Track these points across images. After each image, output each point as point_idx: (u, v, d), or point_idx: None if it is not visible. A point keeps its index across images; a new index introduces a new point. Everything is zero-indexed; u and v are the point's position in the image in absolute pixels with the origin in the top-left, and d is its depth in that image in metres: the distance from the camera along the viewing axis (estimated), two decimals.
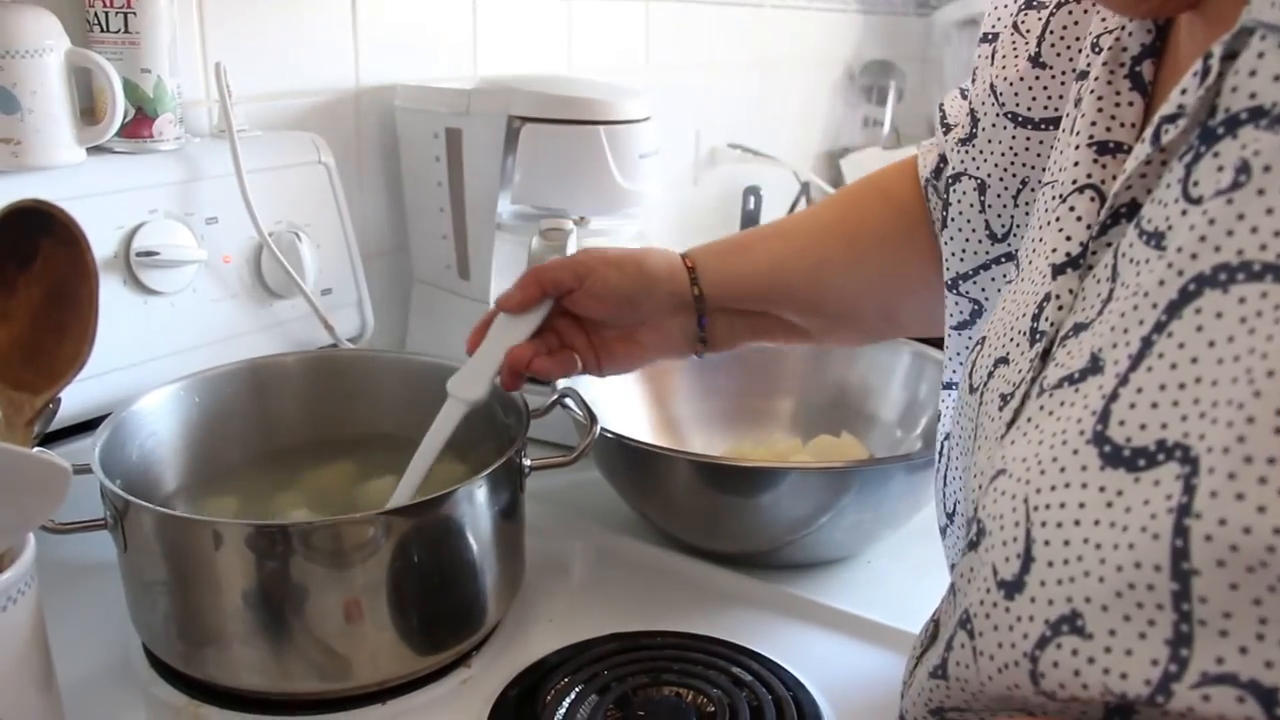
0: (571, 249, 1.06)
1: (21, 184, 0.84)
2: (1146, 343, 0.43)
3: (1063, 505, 0.44)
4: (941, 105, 0.82)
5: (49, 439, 0.81)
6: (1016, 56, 0.69)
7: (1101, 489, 0.43)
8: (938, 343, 1.14)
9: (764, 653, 0.80)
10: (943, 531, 0.71)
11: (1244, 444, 0.37)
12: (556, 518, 1.01)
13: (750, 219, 1.84)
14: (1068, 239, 0.54)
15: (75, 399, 0.78)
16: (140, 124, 0.96)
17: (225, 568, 0.71)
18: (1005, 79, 0.70)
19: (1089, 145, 0.56)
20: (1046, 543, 0.44)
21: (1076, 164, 0.56)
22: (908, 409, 1.09)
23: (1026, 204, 0.71)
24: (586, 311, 0.83)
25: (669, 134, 1.29)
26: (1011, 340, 0.57)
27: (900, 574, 0.95)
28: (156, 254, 0.93)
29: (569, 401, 0.90)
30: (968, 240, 0.76)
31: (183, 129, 1.00)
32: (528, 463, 0.83)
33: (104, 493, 0.74)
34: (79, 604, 0.84)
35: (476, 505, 0.77)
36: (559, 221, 1.08)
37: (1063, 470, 0.45)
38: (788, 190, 1.92)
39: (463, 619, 0.79)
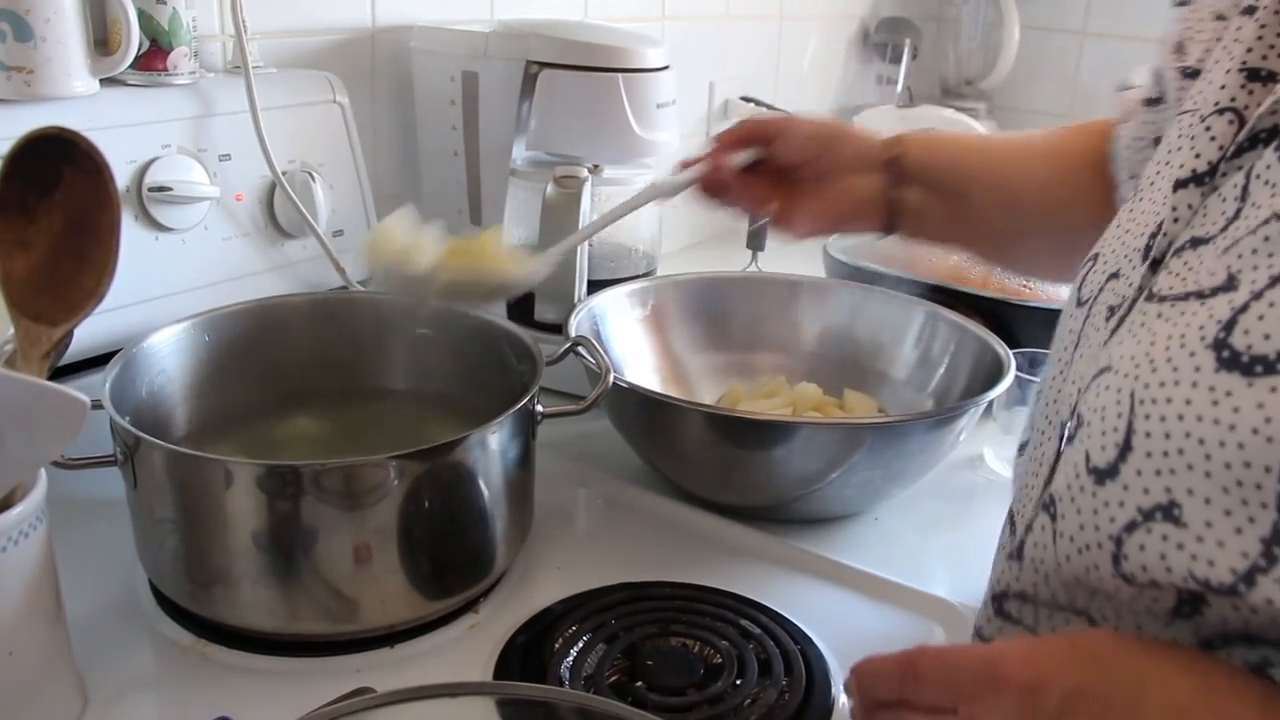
0: (586, 197, 1.05)
1: (34, 114, 0.83)
2: None
3: (1169, 400, 0.45)
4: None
5: (57, 374, 0.80)
6: None
7: (1211, 388, 0.43)
8: (951, 299, 1.14)
9: (772, 606, 0.80)
10: (1020, 448, 0.69)
11: None
12: (567, 467, 1.00)
13: None
14: (1197, 156, 0.54)
15: (84, 334, 0.77)
16: (154, 56, 0.95)
17: (235, 507, 0.70)
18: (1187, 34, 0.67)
19: (1240, 70, 0.55)
20: (1148, 434, 0.45)
21: (1223, 87, 0.55)
22: (920, 367, 1.08)
23: None
24: (783, 153, 0.89)
25: (683, 86, 1.27)
26: (1125, 258, 0.57)
27: (908, 532, 0.95)
28: (169, 189, 0.92)
29: (582, 350, 0.89)
30: None
31: (197, 63, 0.99)
32: (540, 410, 0.82)
33: (114, 429, 0.73)
34: (88, 541, 0.84)
35: (488, 451, 0.76)
36: (574, 169, 1.07)
37: (1175, 369, 0.45)
38: None
39: (472, 565, 0.79)
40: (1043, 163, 0.89)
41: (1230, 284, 0.46)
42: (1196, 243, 0.50)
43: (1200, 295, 0.48)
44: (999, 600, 0.56)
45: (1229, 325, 0.44)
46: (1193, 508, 0.43)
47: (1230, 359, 0.43)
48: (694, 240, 1.79)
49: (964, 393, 0.99)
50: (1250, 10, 0.59)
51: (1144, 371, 0.47)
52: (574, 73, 1.08)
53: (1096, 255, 0.62)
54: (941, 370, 1.07)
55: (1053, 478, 0.55)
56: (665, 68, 1.12)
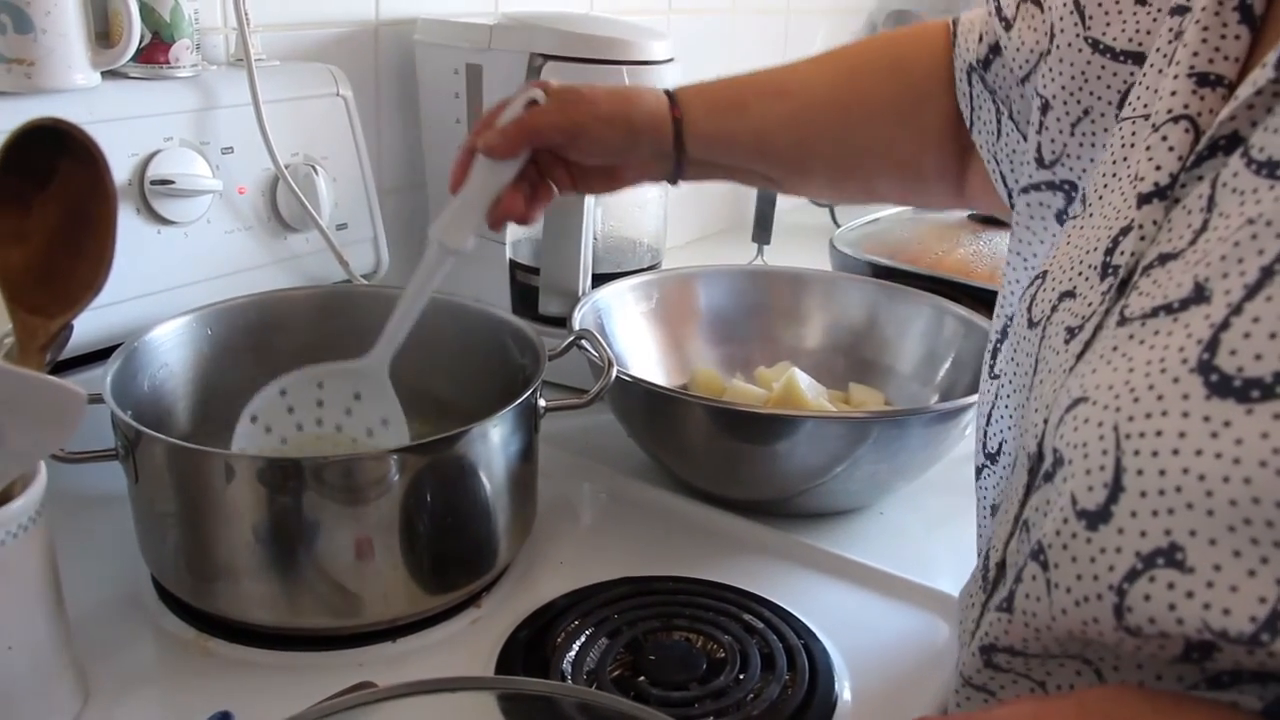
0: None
1: (35, 106, 0.82)
2: (1267, 272, 0.40)
3: (1159, 434, 0.41)
4: None
5: (59, 368, 0.80)
6: None
7: (1206, 419, 0.40)
8: (957, 292, 1.13)
9: (776, 600, 0.80)
10: (978, 472, 0.68)
11: None
12: (570, 461, 1.00)
13: None
14: (1157, 169, 0.52)
15: (87, 328, 0.77)
16: (156, 49, 0.95)
17: (236, 501, 0.70)
18: (1097, 1, 0.66)
19: (1189, 75, 0.53)
20: (1140, 472, 0.42)
21: (1174, 93, 0.53)
22: (925, 361, 1.08)
23: (1083, 134, 0.68)
24: (575, 159, 0.83)
25: (689, 79, 1.26)
26: (1080, 274, 0.55)
27: (913, 526, 0.94)
28: (171, 183, 0.91)
29: (586, 344, 0.89)
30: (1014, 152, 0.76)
31: (199, 56, 0.99)
32: (543, 403, 0.82)
33: (115, 423, 0.73)
34: (89, 535, 0.84)
35: (491, 445, 0.76)
36: None
37: (1160, 398, 0.42)
38: None
39: (474, 559, 0.78)
40: (837, 122, 0.86)
41: (1199, 294, 0.43)
42: (1165, 259, 0.48)
43: (1169, 309, 0.45)
44: (987, 652, 0.54)
45: (1211, 345, 0.41)
46: (1197, 550, 0.39)
47: (1221, 384, 0.40)
48: (699, 234, 1.79)
49: (970, 387, 0.98)
50: (1180, 10, 0.58)
51: (1125, 402, 0.43)
52: (578, 65, 1.07)
53: (1045, 273, 0.59)
54: (947, 364, 1.06)
55: (1023, 511, 0.53)
56: (670, 60, 1.11)
